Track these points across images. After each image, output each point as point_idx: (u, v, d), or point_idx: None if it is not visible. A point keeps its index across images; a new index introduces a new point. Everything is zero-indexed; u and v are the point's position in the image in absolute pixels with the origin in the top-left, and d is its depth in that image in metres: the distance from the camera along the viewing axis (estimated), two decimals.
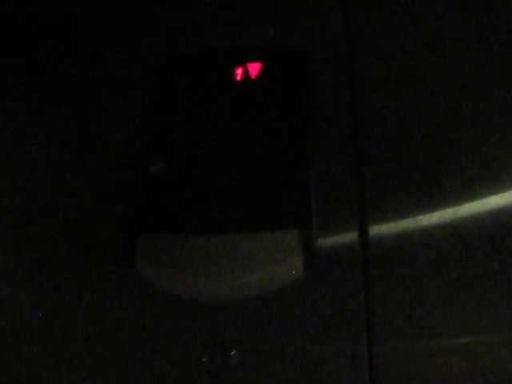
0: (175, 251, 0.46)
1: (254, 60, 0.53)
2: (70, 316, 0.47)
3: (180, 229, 0.47)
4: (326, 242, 0.46)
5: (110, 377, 0.45)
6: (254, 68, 0.53)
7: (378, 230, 0.47)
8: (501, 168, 0.50)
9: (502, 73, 0.51)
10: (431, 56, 0.53)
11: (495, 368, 0.44)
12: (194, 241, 0.46)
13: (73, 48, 0.57)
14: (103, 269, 0.48)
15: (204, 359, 0.43)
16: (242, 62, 0.53)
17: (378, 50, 0.53)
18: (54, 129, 0.54)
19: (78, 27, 0.58)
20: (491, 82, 0.52)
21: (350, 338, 0.43)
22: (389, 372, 0.43)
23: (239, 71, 0.52)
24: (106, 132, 0.53)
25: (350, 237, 0.47)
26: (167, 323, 0.45)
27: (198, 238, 0.46)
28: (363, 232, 0.47)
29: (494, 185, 0.49)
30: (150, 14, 0.57)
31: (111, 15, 0.58)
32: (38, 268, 0.49)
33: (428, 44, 0.53)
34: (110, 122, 0.53)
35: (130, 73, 0.55)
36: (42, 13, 0.60)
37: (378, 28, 0.54)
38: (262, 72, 0.52)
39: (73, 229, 0.50)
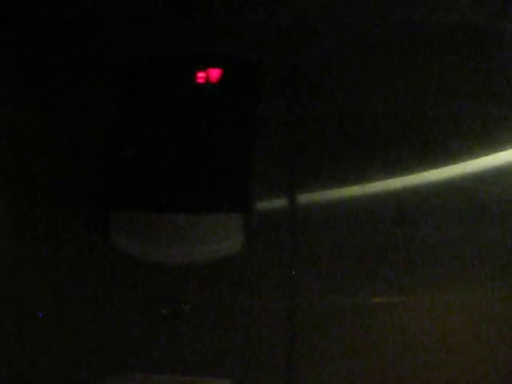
0: (142, 225, 0.58)
1: (214, 65, 0.63)
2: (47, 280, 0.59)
3: (145, 206, 0.58)
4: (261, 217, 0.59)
5: (85, 327, 0.57)
6: (215, 73, 0.63)
7: (306, 201, 0.60)
8: (420, 148, 0.63)
9: None
10: None
11: (411, 325, 0.57)
12: (158, 217, 0.58)
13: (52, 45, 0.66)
14: (80, 238, 0.59)
15: (163, 311, 0.56)
16: (204, 67, 0.63)
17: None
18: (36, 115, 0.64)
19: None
20: None
21: (274, 295, 0.56)
22: (307, 325, 0.56)
23: (202, 75, 0.63)
24: (85, 120, 0.63)
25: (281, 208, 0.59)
26: (133, 283, 0.57)
27: (161, 215, 0.58)
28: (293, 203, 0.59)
29: (411, 163, 0.62)
30: (124, 18, 0.66)
31: (86, 19, 0.67)
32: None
33: None
34: (87, 113, 0.63)
35: (104, 70, 0.64)
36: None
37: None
38: (221, 77, 0.62)
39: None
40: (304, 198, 0.60)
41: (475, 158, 0.64)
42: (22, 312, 0.58)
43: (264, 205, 0.60)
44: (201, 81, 0.62)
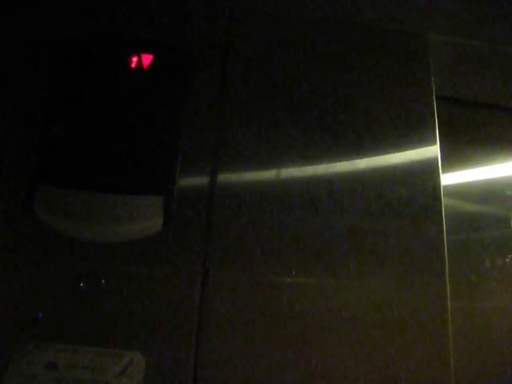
0: (65, 202, 0.59)
1: (147, 51, 0.65)
2: None
3: (69, 183, 0.60)
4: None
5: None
6: (147, 58, 0.65)
7: (227, 183, 0.64)
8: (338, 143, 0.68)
9: None
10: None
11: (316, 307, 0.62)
12: (81, 195, 0.60)
13: None
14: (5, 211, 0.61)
15: (81, 284, 0.58)
16: (138, 52, 0.65)
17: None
18: None
19: None
20: None
21: (188, 272, 0.60)
22: (220, 299, 0.60)
23: (134, 59, 0.64)
24: (17, 95, 0.64)
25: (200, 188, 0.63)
26: (54, 258, 0.59)
27: (85, 193, 0.60)
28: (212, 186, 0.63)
29: (327, 149, 0.67)
30: None
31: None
32: None
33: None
34: (20, 88, 0.64)
35: (39, 48, 0.66)
36: None
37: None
38: (152, 62, 0.65)
39: None
40: (223, 182, 0.64)
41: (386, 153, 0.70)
42: None
43: (184, 188, 0.63)
44: (133, 65, 0.64)
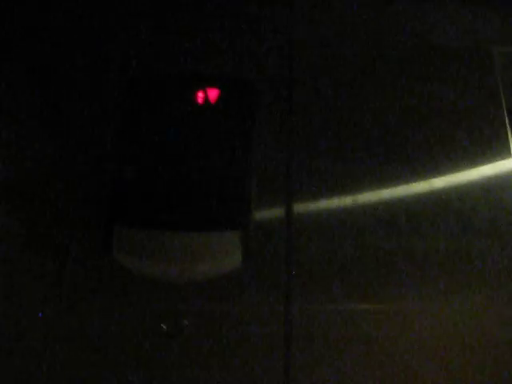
0: (142, 243, 0.59)
1: (213, 86, 0.65)
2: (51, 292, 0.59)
3: (144, 224, 0.60)
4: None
5: (83, 344, 0.58)
6: (214, 93, 0.64)
7: (302, 211, 0.62)
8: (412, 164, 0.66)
9: None
10: None
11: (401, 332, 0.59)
12: (157, 235, 0.59)
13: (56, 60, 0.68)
14: (83, 252, 0.61)
15: (163, 326, 0.57)
16: (203, 87, 0.64)
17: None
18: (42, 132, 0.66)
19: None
20: None
21: (272, 307, 0.58)
22: (305, 330, 0.58)
23: (201, 95, 0.64)
24: (87, 137, 0.65)
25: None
26: (133, 299, 0.58)
27: (161, 233, 0.59)
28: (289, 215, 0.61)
29: (402, 171, 0.65)
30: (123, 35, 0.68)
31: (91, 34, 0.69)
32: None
33: None
34: (90, 131, 0.65)
35: (105, 87, 0.67)
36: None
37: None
38: (219, 97, 0.64)
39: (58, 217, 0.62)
40: (299, 211, 0.63)
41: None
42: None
43: (260, 220, 0.62)
44: (199, 100, 0.64)
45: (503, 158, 0.69)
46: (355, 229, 0.63)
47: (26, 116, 0.67)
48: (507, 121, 0.71)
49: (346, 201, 0.64)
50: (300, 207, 0.63)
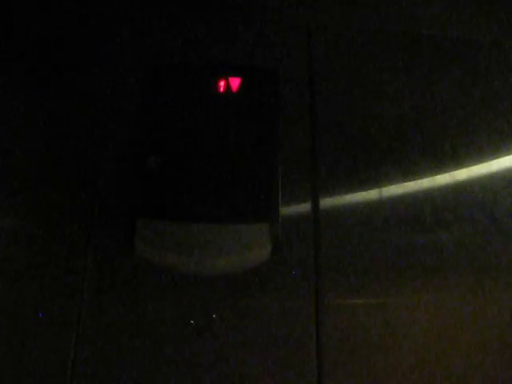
0: (168, 235, 0.57)
1: (235, 75, 0.63)
2: (76, 284, 0.57)
3: (170, 216, 0.58)
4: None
5: (111, 339, 0.56)
6: (235, 82, 0.63)
7: (327, 202, 0.61)
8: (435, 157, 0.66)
9: None
10: None
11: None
12: (184, 227, 0.57)
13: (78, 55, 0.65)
14: (106, 246, 0.59)
15: (192, 321, 0.55)
16: (225, 76, 0.63)
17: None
18: (63, 128, 0.63)
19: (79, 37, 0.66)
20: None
21: (301, 301, 0.57)
22: (335, 324, 0.57)
23: (222, 83, 0.62)
24: (109, 131, 0.63)
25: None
26: (161, 294, 0.57)
27: (188, 225, 0.57)
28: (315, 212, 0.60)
29: (429, 170, 0.65)
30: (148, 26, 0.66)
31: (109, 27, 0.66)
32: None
33: None
34: (110, 123, 0.63)
35: (125, 79, 0.64)
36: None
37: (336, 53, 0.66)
38: (241, 86, 0.62)
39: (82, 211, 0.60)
40: (326, 204, 0.62)
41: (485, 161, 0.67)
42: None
43: (287, 213, 0.61)
44: (221, 90, 0.62)
45: None
46: (381, 223, 0.62)
47: (42, 116, 0.64)
48: None
49: (372, 195, 0.63)
50: (327, 201, 0.62)
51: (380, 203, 0.63)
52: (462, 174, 0.66)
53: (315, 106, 0.66)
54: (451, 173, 0.66)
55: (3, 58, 0.65)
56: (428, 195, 0.64)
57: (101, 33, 0.66)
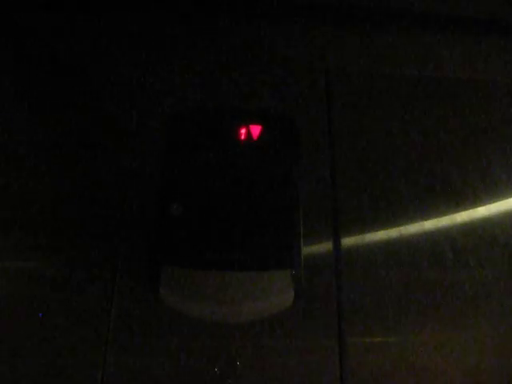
0: (192, 283, 0.58)
1: (255, 122, 0.64)
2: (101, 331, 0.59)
3: (194, 263, 0.59)
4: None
5: None
6: (256, 129, 0.64)
7: (348, 244, 0.63)
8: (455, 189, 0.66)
9: None
10: None
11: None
12: (207, 275, 0.58)
13: (98, 100, 0.68)
14: (131, 292, 0.60)
15: (216, 369, 0.56)
16: (246, 123, 0.64)
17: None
18: (88, 173, 0.65)
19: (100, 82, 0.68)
20: None
21: (325, 342, 0.58)
22: (360, 366, 0.58)
23: (243, 131, 0.64)
24: (132, 177, 0.65)
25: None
26: (185, 340, 0.58)
27: (211, 272, 0.58)
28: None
29: (450, 204, 0.65)
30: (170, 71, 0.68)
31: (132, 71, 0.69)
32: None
33: None
34: (134, 170, 0.65)
35: (147, 126, 0.66)
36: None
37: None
38: (262, 133, 0.64)
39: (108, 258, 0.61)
40: (347, 246, 0.63)
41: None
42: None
43: (309, 256, 0.62)
44: (242, 137, 0.64)
45: None
46: (402, 263, 0.63)
47: (69, 160, 0.66)
48: None
49: (392, 234, 0.64)
50: (348, 243, 0.63)
51: (400, 242, 0.64)
52: (481, 212, 0.67)
53: (334, 146, 0.68)
54: (468, 211, 0.67)
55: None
56: (447, 233, 0.65)
57: (125, 80, 0.69)
